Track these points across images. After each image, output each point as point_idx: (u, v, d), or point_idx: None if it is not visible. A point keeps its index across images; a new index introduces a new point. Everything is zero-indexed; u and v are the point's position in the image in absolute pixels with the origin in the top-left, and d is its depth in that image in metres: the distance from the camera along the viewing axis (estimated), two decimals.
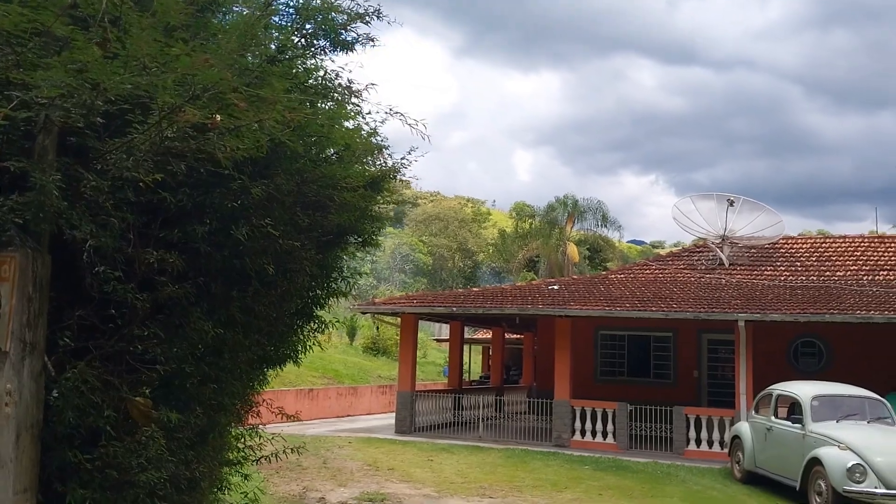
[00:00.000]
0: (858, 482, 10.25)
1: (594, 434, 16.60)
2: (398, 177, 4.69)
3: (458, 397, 19.29)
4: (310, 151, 3.98)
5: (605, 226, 41.29)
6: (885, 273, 18.35)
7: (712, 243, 19.95)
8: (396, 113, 4.04)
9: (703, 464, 14.73)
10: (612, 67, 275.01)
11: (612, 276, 20.41)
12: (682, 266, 20.04)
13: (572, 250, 40.60)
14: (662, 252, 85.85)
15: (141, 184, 3.12)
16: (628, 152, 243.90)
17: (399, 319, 18.77)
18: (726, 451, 15.05)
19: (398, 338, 33.03)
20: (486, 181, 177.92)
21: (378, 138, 4.50)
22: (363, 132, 4.42)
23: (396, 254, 55.99)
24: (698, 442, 15.89)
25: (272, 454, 5.03)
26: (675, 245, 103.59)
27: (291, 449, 5.17)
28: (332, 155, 4.37)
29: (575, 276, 24.60)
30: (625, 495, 11.66)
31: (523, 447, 16.15)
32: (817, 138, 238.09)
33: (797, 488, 11.32)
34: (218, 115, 2.99)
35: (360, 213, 4.49)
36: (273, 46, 3.75)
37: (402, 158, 4.61)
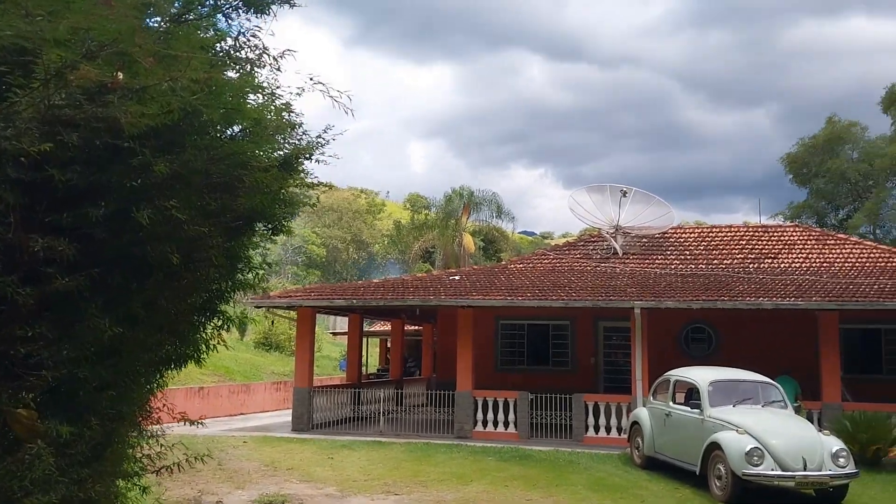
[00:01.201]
0: (756, 465, 10.50)
1: (496, 424, 16.56)
2: (314, 157, 4.30)
3: (358, 392, 18.90)
4: (218, 125, 3.55)
5: (500, 217, 41.64)
6: (770, 261, 19.11)
7: (606, 233, 20.29)
8: (317, 83, 3.66)
9: (602, 450, 14.91)
10: (503, 61, 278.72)
11: (512, 265, 20.46)
12: (578, 255, 20.28)
13: (468, 241, 40.72)
14: (552, 243, 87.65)
15: (24, 158, 2.63)
16: (520, 145, 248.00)
17: (293, 313, 18.18)
18: (624, 436, 15.29)
19: (292, 332, 32.25)
20: (379, 172, 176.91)
21: (291, 114, 4.10)
22: (275, 106, 4.01)
23: (288, 245, 54.70)
24: (597, 428, 16.10)
25: (175, 463, 4.55)
26: (564, 236, 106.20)
27: (195, 457, 4.70)
28: (241, 131, 3.94)
29: (475, 267, 24.56)
30: (530, 485, 11.62)
31: (426, 440, 15.94)
32: (696, 133, 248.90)
33: (697, 473, 11.51)
34: (120, 73, 2.54)
35: (271, 197, 4.08)
36: (177, 4, 3.31)
37: (317, 137, 4.23)
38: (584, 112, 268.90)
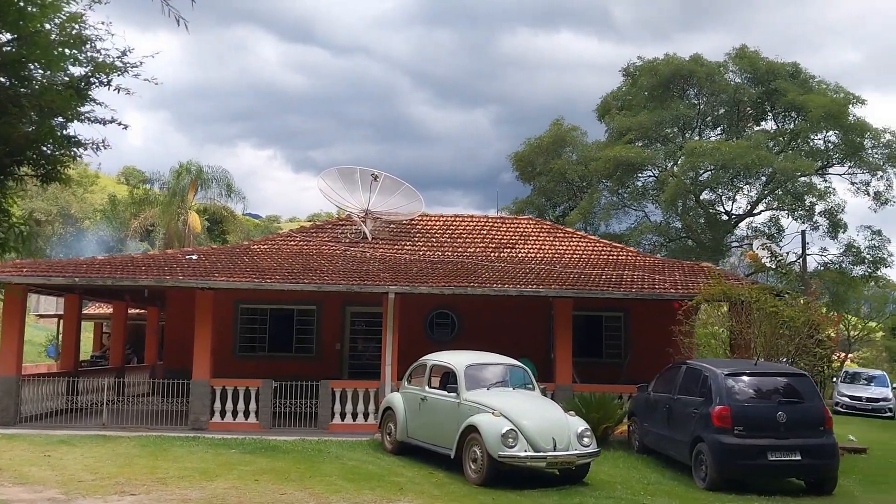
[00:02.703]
0: (511, 447, 10.73)
1: (235, 414, 15.57)
2: (112, 82, 3.35)
3: (75, 381, 16.80)
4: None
5: (230, 196, 39.70)
6: (509, 250, 19.94)
7: (357, 217, 19.95)
8: None
9: (350, 437, 14.59)
10: (234, 37, 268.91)
11: (256, 246, 19.36)
12: (326, 238, 19.71)
13: (194, 220, 38.30)
14: (280, 226, 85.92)
15: None
16: (249, 125, 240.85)
17: None
18: (372, 422, 15.15)
19: None
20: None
21: (86, 27, 3.15)
22: (64, 13, 3.05)
23: None
24: (343, 415, 15.74)
25: None
26: (292, 220, 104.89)
27: None
28: (16, 39, 2.93)
29: (215, 247, 23.02)
30: (282, 478, 10.95)
31: (157, 433, 14.57)
32: (424, 128, 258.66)
33: (452, 456, 11.56)
34: None
35: (55, 128, 3.10)
36: None
37: (118, 58, 3.30)
38: (316, 97, 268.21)
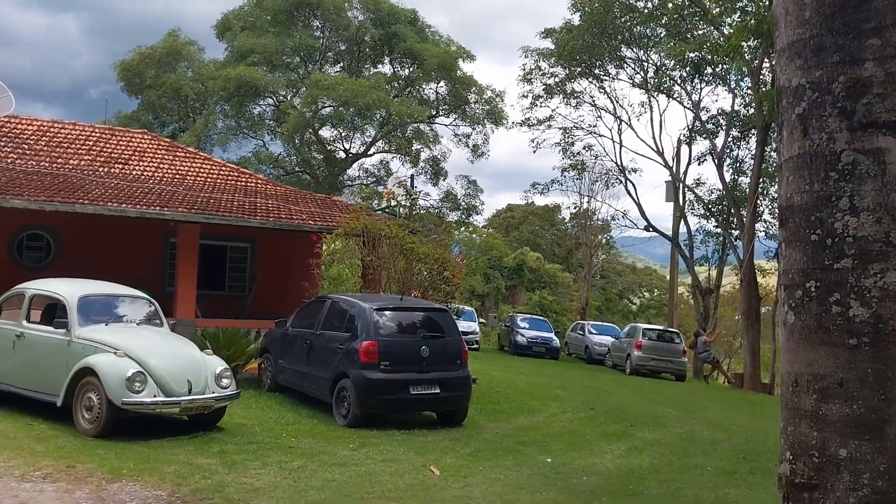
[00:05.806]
0: (138, 392, 9.20)
1: None
2: None
3: None
4: None
5: None
6: (121, 166, 17.43)
7: None
8: None
9: None
10: None
11: None
12: None
13: None
14: None
15: None
16: None
17: None
18: None
19: None
20: None
21: None
22: None
23: None
24: None
25: None
26: None
27: None
28: None
29: None
30: None
31: None
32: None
33: (59, 404, 9.61)
34: None
35: None
36: None
37: None
38: None
